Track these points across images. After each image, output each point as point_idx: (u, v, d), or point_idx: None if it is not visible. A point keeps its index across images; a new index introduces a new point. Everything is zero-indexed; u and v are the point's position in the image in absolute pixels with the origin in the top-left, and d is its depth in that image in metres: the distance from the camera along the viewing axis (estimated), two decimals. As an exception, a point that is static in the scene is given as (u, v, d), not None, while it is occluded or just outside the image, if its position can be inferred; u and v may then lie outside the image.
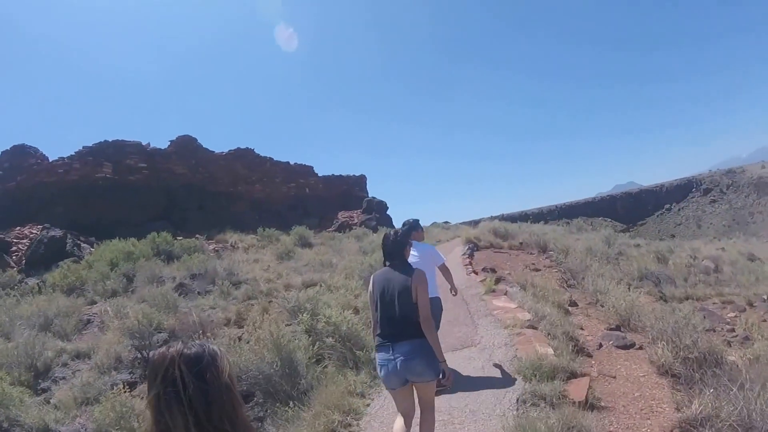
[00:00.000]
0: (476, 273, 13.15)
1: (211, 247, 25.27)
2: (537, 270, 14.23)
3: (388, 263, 4.47)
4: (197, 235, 28.20)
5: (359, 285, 11.96)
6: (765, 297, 13.68)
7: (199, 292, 13.85)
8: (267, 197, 37.99)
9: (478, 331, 8.25)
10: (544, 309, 8.69)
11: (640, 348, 7.54)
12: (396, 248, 4.47)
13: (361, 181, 44.97)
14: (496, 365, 6.65)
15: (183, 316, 10.98)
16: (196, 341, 1.77)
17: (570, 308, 10.33)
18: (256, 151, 38.21)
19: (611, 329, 8.67)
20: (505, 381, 6.14)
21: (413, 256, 5.46)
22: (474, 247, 17.63)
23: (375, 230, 33.12)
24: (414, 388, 4.32)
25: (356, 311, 9.42)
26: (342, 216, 37.81)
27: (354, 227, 34.77)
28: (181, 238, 25.69)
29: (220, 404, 1.63)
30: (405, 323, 4.12)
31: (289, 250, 20.86)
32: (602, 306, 10.31)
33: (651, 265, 15.91)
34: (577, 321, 9.34)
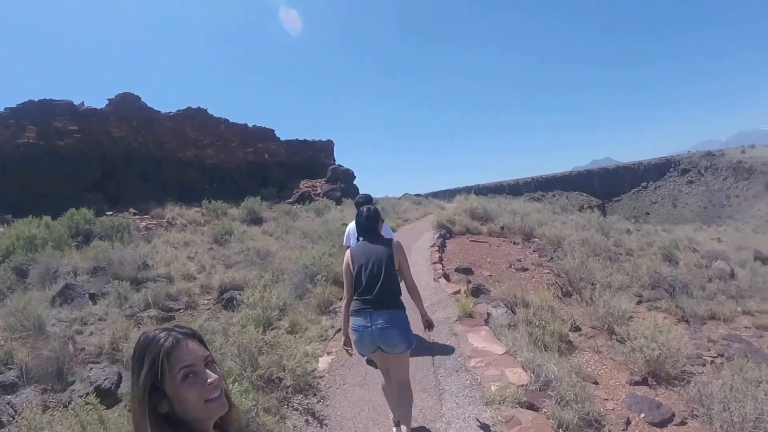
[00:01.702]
0: (447, 277, 9.96)
1: (143, 224, 21.82)
2: (524, 270, 11.14)
3: (362, 238, 4.66)
4: (132, 210, 24.80)
5: (288, 295, 8.88)
6: (809, 320, 10.79)
7: (93, 295, 10.35)
8: (221, 163, 34.11)
9: (444, 406, 5.09)
10: (548, 364, 5.57)
11: (683, 424, 5.43)
12: (371, 224, 4.65)
13: (327, 146, 41.06)
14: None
15: (45, 343, 7.46)
16: (178, 329, 1.67)
17: (573, 337, 7.66)
18: (210, 111, 34.29)
19: (636, 383, 6.36)
20: None
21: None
22: (447, 233, 14.46)
23: (339, 202, 29.82)
24: (388, 361, 4.42)
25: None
26: (304, 185, 34.35)
27: (316, 198, 31.43)
28: (111, 213, 22.28)
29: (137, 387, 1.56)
30: (388, 292, 4.23)
31: (228, 230, 17.47)
32: (619, 340, 7.53)
33: (661, 267, 12.92)
34: (586, 365, 6.74)
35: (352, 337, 4.34)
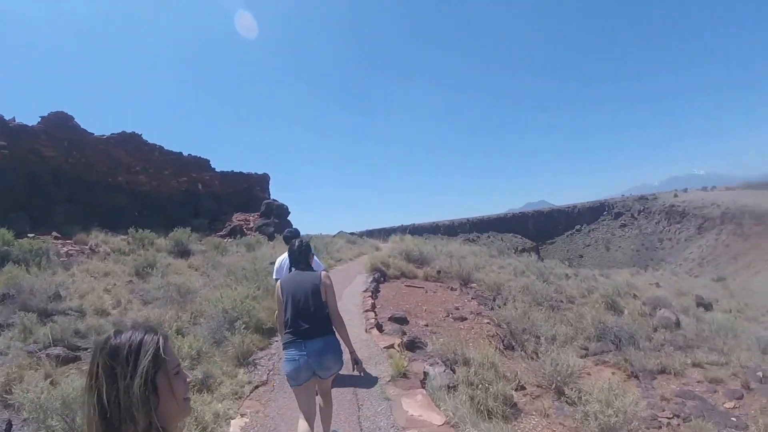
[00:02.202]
0: (380, 328, 8.83)
1: (65, 249, 19.92)
2: (463, 319, 10.18)
3: (294, 268, 4.85)
4: (54, 234, 22.87)
5: (203, 342, 7.82)
6: (760, 374, 10.14)
7: (-3, 326, 8.82)
8: (153, 191, 32.07)
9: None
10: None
11: None
12: (303, 256, 4.83)
13: (263, 180, 39.61)
14: None
15: None
16: (141, 329, 1.68)
17: (518, 397, 6.83)
18: (145, 137, 32.51)
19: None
20: None
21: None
22: (381, 277, 13.40)
23: (271, 237, 28.45)
24: (317, 383, 4.57)
25: None
26: (237, 219, 32.77)
27: (248, 233, 29.93)
28: (33, 236, 20.35)
29: (126, 394, 1.53)
30: (317, 320, 4.40)
31: (150, 262, 15.92)
32: (569, 402, 6.91)
33: (605, 317, 12.17)
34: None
35: (286, 369, 4.36)
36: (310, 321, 4.37)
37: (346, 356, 4.60)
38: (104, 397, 1.50)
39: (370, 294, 11.17)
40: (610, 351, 10.37)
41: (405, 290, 12.14)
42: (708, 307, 19.95)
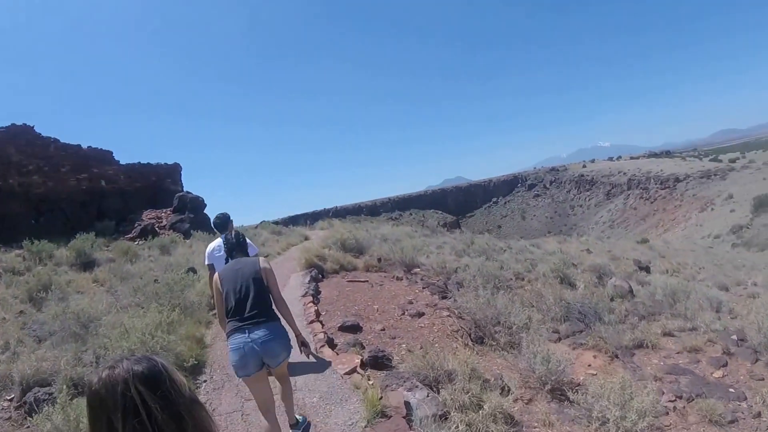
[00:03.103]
0: (332, 343, 7.30)
1: None
2: (420, 315, 8.91)
3: (230, 258, 4.83)
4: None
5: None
6: (734, 337, 9.54)
7: None
8: (50, 193, 27.80)
9: None
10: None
11: None
12: (239, 245, 4.87)
13: (174, 171, 36.27)
14: None
15: None
16: (138, 354, 1.60)
17: (508, 404, 5.55)
18: (38, 129, 28.78)
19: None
20: None
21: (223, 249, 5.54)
22: (318, 274, 11.88)
23: (188, 235, 26.17)
24: (269, 371, 4.47)
25: None
26: (147, 217, 29.93)
27: (162, 232, 27.45)
28: None
29: (193, 424, 1.52)
30: (260, 307, 4.30)
31: (45, 283, 13.60)
32: (567, 401, 5.94)
33: (563, 293, 11.31)
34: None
35: (233, 358, 4.24)
36: (254, 308, 4.28)
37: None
38: (161, 421, 1.44)
39: (311, 298, 9.56)
40: (582, 331, 9.45)
41: (349, 287, 10.69)
42: (647, 270, 19.76)
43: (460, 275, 12.34)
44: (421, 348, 6.75)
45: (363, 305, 9.24)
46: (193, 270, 13.47)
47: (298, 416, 5.00)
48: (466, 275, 11.21)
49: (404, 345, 7.00)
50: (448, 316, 8.98)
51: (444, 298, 10.23)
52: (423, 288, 10.78)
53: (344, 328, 7.88)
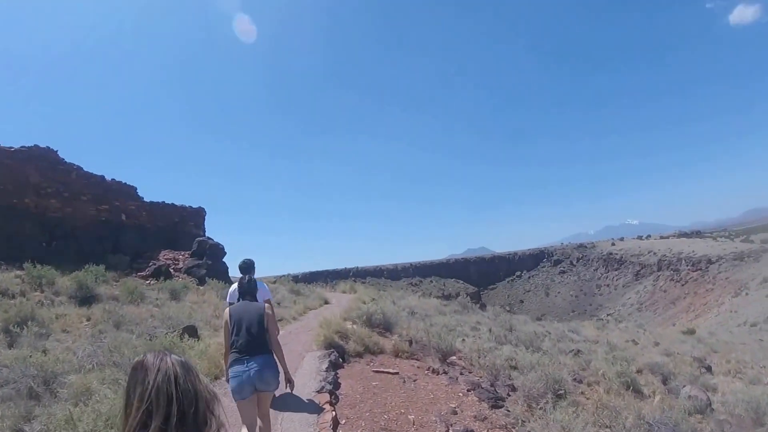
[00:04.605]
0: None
1: None
2: (468, 434, 6.80)
3: (241, 299, 5.59)
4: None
5: None
6: None
7: None
8: (66, 218, 26.53)
9: None
10: None
11: None
12: (250, 289, 5.64)
13: (198, 214, 34.72)
14: None
15: None
16: (170, 352, 2.01)
17: None
18: (61, 155, 27.48)
19: None
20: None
21: None
22: (338, 358, 9.72)
23: (202, 281, 24.33)
24: (258, 399, 5.19)
25: None
26: (164, 257, 28.19)
27: (176, 274, 25.64)
28: None
29: (204, 401, 1.90)
30: (258, 342, 5.11)
31: (25, 315, 11.76)
32: None
33: (639, 407, 9.09)
34: None
35: (232, 384, 5.01)
36: (253, 342, 5.07)
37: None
38: (185, 392, 1.86)
39: (327, 397, 7.44)
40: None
41: (375, 380, 8.53)
42: (710, 370, 17.40)
43: (511, 374, 10.20)
44: None
45: (394, 413, 7.10)
46: (191, 330, 11.42)
47: None
48: (522, 379, 8.99)
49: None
50: (507, 438, 6.84)
51: (495, 407, 8.07)
52: (468, 390, 8.61)
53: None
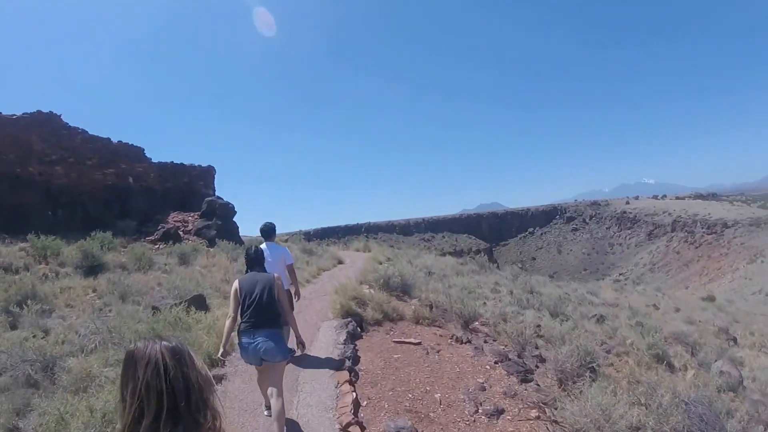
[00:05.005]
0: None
1: None
2: (499, 413, 6.26)
3: (249, 270, 5.69)
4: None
5: None
6: None
7: None
8: (72, 185, 25.95)
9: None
10: None
11: None
12: (257, 260, 5.74)
13: (207, 174, 34.02)
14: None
15: None
16: (170, 337, 1.98)
17: None
18: (65, 119, 26.65)
19: None
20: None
21: (267, 255, 7.15)
22: (356, 327, 9.20)
23: (212, 243, 23.94)
24: (267, 369, 5.38)
25: None
26: (173, 219, 27.73)
27: (186, 237, 25.24)
28: None
29: (197, 390, 1.85)
30: (267, 314, 5.22)
31: (25, 292, 11.25)
32: None
33: (675, 385, 8.56)
34: None
35: (241, 353, 5.33)
36: (261, 315, 5.19)
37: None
38: (176, 383, 1.81)
39: (347, 376, 6.79)
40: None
41: (397, 352, 8.01)
42: (735, 341, 16.88)
43: (537, 342, 9.71)
44: None
45: (419, 390, 6.58)
46: (199, 300, 10.90)
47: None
48: (555, 353, 8.43)
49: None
50: (538, 417, 6.33)
51: (524, 381, 7.56)
52: (495, 362, 8.10)
53: (396, 436, 5.27)
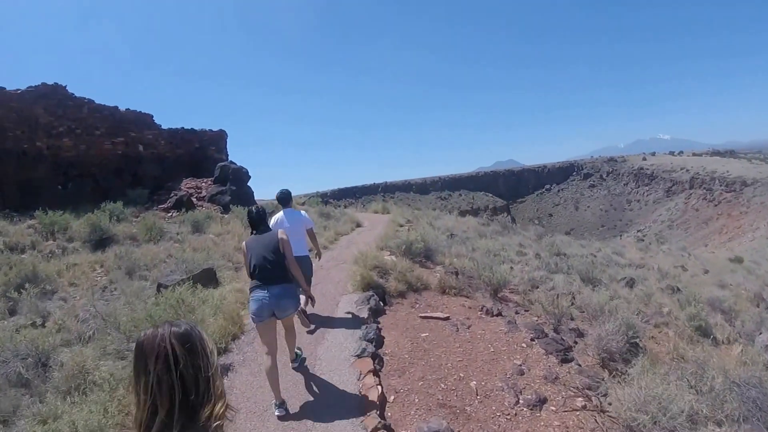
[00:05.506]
0: None
1: None
2: (542, 402, 5.62)
3: (254, 232, 5.80)
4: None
5: None
6: None
7: None
8: (81, 157, 25.30)
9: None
10: None
11: None
12: (260, 220, 5.85)
13: (219, 138, 33.02)
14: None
15: None
16: (180, 321, 1.93)
17: None
18: (70, 90, 25.78)
19: None
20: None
21: (285, 221, 7.49)
22: (377, 303, 8.43)
23: (227, 209, 23.36)
24: (277, 321, 5.58)
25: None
26: (186, 186, 27.02)
27: (199, 204, 24.64)
28: None
29: (205, 375, 1.82)
30: (275, 269, 5.42)
31: (26, 275, 10.60)
32: None
33: (726, 364, 7.86)
34: None
35: (252, 307, 5.38)
36: (271, 271, 5.38)
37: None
38: (186, 375, 1.78)
39: (370, 364, 6.09)
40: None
41: (425, 332, 7.27)
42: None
43: (572, 314, 9.04)
44: None
45: (452, 379, 5.92)
46: (208, 275, 10.27)
47: (297, 350, 6.36)
48: (599, 331, 7.72)
49: None
50: (584, 406, 5.69)
51: (564, 360, 6.91)
52: (531, 339, 7.44)
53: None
